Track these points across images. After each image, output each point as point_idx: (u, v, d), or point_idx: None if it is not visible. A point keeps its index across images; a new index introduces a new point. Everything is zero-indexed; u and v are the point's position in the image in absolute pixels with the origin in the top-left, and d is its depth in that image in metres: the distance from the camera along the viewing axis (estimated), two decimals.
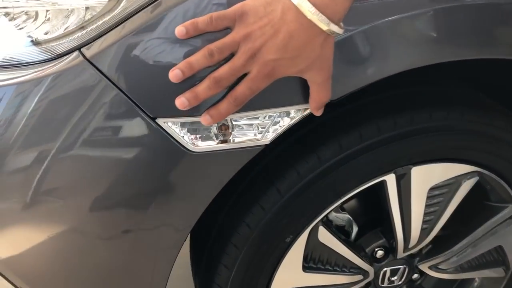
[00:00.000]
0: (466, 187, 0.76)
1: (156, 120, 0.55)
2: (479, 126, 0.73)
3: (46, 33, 0.58)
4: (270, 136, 0.59)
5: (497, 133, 0.74)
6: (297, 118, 0.59)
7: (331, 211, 0.71)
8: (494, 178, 0.77)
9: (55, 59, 0.55)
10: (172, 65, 0.51)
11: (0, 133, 0.55)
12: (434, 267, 0.85)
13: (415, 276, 0.89)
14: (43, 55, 0.56)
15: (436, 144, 0.71)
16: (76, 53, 0.54)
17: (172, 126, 0.55)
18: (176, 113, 0.54)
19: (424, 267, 0.85)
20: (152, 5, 0.54)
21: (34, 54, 0.57)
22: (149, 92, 0.54)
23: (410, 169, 0.71)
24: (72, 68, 0.54)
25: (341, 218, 0.82)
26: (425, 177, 0.73)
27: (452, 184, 0.75)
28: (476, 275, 0.91)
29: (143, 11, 0.54)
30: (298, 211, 0.69)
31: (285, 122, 0.59)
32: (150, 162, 0.57)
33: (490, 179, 0.77)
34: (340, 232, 0.80)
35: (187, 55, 0.52)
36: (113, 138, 0.55)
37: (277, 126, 0.59)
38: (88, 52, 0.54)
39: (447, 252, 0.84)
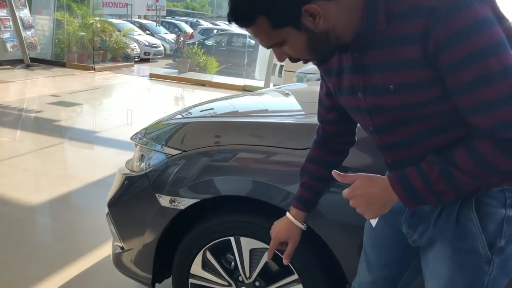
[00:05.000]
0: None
1: None
2: None
3: None
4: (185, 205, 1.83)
5: None
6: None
7: (210, 245, 1.85)
8: None
9: None
10: None
11: None
12: None
13: None
14: None
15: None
16: None
17: None
18: None
19: None
20: None
21: None
22: None
23: (240, 237, 1.80)
24: None
25: (230, 257, 1.92)
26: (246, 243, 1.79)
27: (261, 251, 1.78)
28: None
29: None
30: (195, 242, 1.87)
31: (189, 203, 1.82)
32: None
33: None
34: (226, 261, 1.91)
35: None
36: None
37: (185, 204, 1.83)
38: None
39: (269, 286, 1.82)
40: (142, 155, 2.06)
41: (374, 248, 1.35)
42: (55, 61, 11.32)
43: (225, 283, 1.88)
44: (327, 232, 1.64)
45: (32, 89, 8.45)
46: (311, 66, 5.60)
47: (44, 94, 7.55)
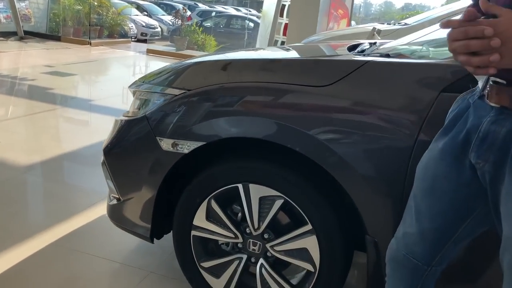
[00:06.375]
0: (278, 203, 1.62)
1: None
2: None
3: None
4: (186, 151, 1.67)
5: None
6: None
7: (215, 193, 1.69)
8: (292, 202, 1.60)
9: None
10: None
11: None
12: (272, 248, 1.68)
13: (269, 254, 1.72)
14: None
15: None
16: None
17: None
18: None
19: (268, 246, 1.69)
20: None
21: None
22: None
23: (248, 184, 1.64)
24: None
25: (237, 208, 1.76)
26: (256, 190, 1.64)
27: (271, 199, 1.63)
28: (295, 262, 1.66)
29: None
30: (199, 190, 1.71)
31: (193, 147, 1.66)
32: None
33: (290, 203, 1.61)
34: (232, 212, 1.76)
35: None
36: None
37: (188, 147, 1.66)
38: None
39: (277, 241, 1.66)
40: (141, 101, 1.89)
41: (427, 193, 1.16)
42: (50, 35, 11.03)
43: (231, 235, 1.72)
44: (349, 179, 1.48)
45: (25, 59, 8.21)
46: (312, 38, 5.42)
47: (38, 65, 7.32)
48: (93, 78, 7.37)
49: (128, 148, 1.85)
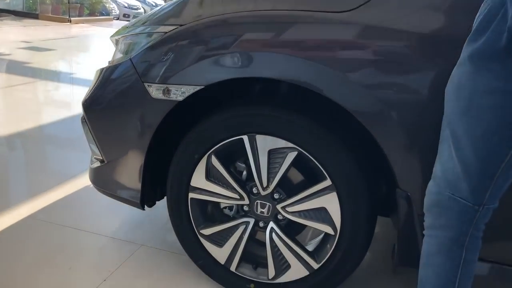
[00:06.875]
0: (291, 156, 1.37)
1: None
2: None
3: None
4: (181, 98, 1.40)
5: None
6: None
7: (216, 148, 1.44)
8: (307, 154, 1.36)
9: None
10: None
11: None
12: (284, 209, 1.44)
13: (280, 216, 1.48)
14: None
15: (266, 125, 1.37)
16: None
17: None
18: None
19: (279, 207, 1.45)
20: None
21: None
22: None
23: (255, 135, 1.39)
24: None
25: (241, 166, 1.52)
26: (264, 142, 1.39)
27: (283, 152, 1.38)
28: (311, 225, 1.43)
29: None
30: (197, 144, 1.45)
31: (189, 93, 1.40)
32: None
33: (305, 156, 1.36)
34: (236, 170, 1.51)
35: None
36: None
37: (183, 94, 1.40)
38: None
39: (290, 200, 1.42)
40: (127, 45, 1.61)
41: (464, 114, 0.96)
42: (27, 13, 10.56)
43: (236, 195, 1.48)
44: (382, 128, 1.23)
45: (0, 36, 7.77)
46: None
47: (15, 40, 6.94)
48: (72, 52, 7.00)
49: (111, 99, 1.57)
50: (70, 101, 4.04)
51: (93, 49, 7.66)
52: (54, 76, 5.08)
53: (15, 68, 5.14)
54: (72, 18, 10.45)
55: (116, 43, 1.73)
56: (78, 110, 3.60)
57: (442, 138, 1.03)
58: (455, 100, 0.98)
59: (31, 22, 9.60)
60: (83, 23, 10.49)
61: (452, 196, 1.02)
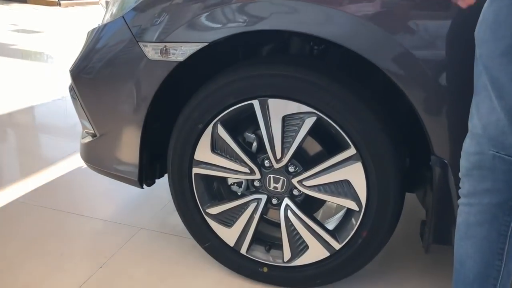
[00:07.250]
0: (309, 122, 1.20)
1: None
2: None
3: None
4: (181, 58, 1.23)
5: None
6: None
7: (222, 116, 1.27)
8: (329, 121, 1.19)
9: None
10: None
11: None
12: (300, 183, 1.28)
13: (295, 192, 1.32)
14: None
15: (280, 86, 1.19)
16: None
17: None
18: None
19: (294, 181, 1.28)
20: None
21: None
22: None
23: (267, 100, 1.22)
24: None
25: (250, 137, 1.35)
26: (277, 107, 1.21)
27: (299, 118, 1.21)
28: (332, 200, 1.27)
29: None
30: (201, 112, 1.28)
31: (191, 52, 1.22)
32: None
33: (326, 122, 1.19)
34: (245, 142, 1.34)
35: None
36: None
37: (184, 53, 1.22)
38: None
39: (307, 173, 1.26)
40: (121, 3, 1.42)
41: (506, 56, 0.81)
42: None
43: (245, 169, 1.31)
44: (419, 91, 1.07)
45: None
46: None
47: (2, 23, 6.66)
48: (62, 35, 6.74)
49: (102, 63, 1.39)
50: (59, 83, 3.84)
51: (83, 30, 7.40)
52: (42, 58, 4.86)
53: (2, 50, 4.92)
54: (61, 2, 10.12)
55: (107, 5, 1.55)
56: (66, 92, 3.40)
57: (477, 88, 0.89)
58: (491, 41, 0.83)
59: (19, 5, 9.29)
60: (74, 6, 10.18)
61: (496, 154, 0.88)
